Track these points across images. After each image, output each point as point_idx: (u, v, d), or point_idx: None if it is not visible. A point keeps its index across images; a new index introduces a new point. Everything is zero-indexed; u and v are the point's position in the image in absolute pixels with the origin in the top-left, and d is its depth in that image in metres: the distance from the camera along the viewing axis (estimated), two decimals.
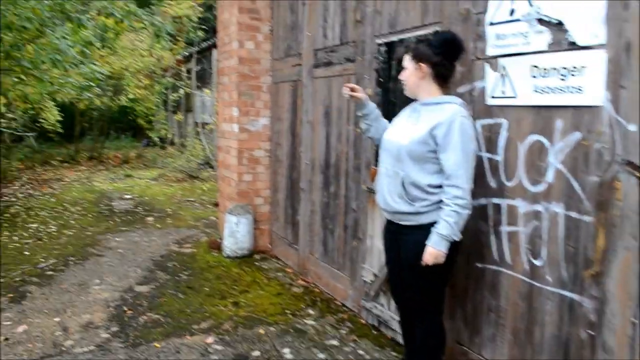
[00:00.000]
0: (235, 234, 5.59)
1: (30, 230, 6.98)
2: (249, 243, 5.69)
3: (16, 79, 7.25)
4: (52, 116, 12.86)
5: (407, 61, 2.71)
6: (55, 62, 6.99)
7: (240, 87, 5.52)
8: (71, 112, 16.58)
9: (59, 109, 13.26)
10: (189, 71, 16.75)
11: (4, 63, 7.15)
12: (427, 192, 2.60)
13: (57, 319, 4.00)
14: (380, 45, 3.78)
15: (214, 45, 11.97)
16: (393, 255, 2.90)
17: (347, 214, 4.32)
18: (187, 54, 16.19)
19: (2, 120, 10.60)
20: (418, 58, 2.67)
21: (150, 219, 7.91)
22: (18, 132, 10.45)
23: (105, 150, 17.59)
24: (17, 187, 10.99)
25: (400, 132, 2.73)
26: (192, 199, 9.72)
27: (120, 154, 16.80)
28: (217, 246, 5.96)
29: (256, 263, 5.58)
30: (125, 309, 4.23)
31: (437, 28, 3.23)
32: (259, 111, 5.64)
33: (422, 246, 2.58)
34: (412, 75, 2.70)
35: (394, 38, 3.65)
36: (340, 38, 4.33)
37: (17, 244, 6.18)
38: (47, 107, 12.78)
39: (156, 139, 16.40)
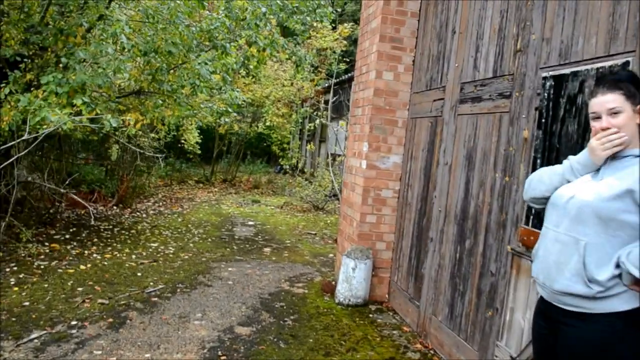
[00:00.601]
0: (351, 279, 5.07)
1: (150, 249, 7.09)
2: (364, 291, 5.13)
3: (158, 102, 7.55)
4: (192, 138, 13.54)
5: (619, 102, 2.01)
6: (194, 88, 7.13)
7: (374, 121, 5.07)
8: (211, 135, 17.49)
9: (199, 131, 13.97)
10: (326, 102, 16.87)
11: (150, 86, 7.48)
12: (613, 273, 1.89)
13: (147, 355, 3.75)
14: (545, 78, 3.09)
15: (353, 78, 11.84)
16: (544, 347, 2.17)
17: (482, 277, 3.59)
18: (326, 84, 16.34)
19: (144, 140, 11.28)
20: (633, 98, 1.98)
21: (267, 249, 7.70)
22: (147, 153, 11.04)
23: (239, 173, 18.26)
24: (150, 204, 11.57)
25: (579, 187, 2.05)
26: (313, 232, 9.42)
27: (252, 179, 17.27)
28: (330, 289, 5.48)
29: (370, 315, 4.98)
30: (220, 353, 3.85)
31: (629, 58, 2.49)
32: (391, 148, 5.13)
33: (590, 347, 1.86)
34: (631, 120, 2.00)
35: (565, 70, 2.94)
36: (493, 70, 3.69)
37: (133, 264, 6.24)
38: (189, 129, 13.50)
39: (287, 167, 16.62)
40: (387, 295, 5.31)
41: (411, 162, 4.97)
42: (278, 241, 8.44)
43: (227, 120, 9.73)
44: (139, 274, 5.81)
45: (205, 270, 6.16)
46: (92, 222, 8.55)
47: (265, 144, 18.36)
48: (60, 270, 5.69)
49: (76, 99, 5.39)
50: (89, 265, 5.97)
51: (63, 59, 5.96)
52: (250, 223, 10.04)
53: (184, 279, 5.76)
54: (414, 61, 5.08)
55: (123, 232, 8.15)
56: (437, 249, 4.26)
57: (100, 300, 4.82)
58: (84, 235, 7.62)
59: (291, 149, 16.64)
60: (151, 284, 5.49)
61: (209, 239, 8.15)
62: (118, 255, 6.64)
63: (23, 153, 6.13)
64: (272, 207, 12.45)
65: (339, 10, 24.76)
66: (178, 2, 7.29)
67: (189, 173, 16.98)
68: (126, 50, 5.91)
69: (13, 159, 5.73)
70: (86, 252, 6.63)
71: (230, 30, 8.59)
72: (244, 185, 16.61)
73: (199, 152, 14.58)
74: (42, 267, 5.77)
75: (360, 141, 5.36)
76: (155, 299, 5.00)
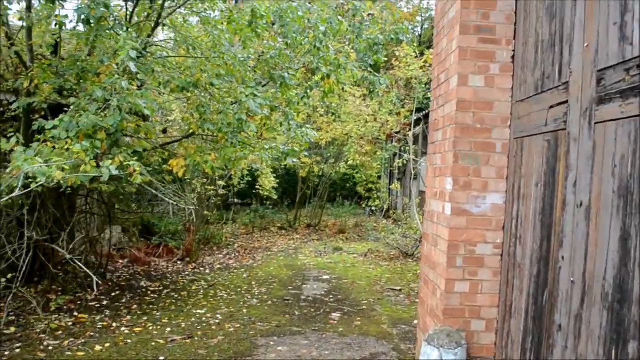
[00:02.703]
0: None
1: (193, 319, 5.89)
2: None
3: (203, 145, 6.52)
4: (267, 183, 12.54)
5: None
6: (241, 124, 5.99)
7: (459, 146, 3.53)
8: (294, 179, 16.48)
9: (274, 175, 12.96)
10: (415, 137, 15.31)
11: (199, 127, 6.46)
12: None
13: None
14: None
15: None
16: None
17: None
18: (415, 118, 14.84)
19: (208, 188, 10.38)
20: None
21: (336, 315, 6.21)
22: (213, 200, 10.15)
23: (327, 217, 17.00)
24: (222, 256, 10.57)
25: None
26: (397, 288, 7.79)
27: (339, 223, 15.93)
28: None
29: None
30: None
31: None
32: (487, 183, 3.54)
33: None
34: None
35: None
36: None
37: (162, 341, 5.04)
38: (264, 173, 12.53)
39: (374, 209, 15.13)
40: None
41: (519, 203, 3.34)
42: (352, 302, 6.92)
43: (294, 160, 8.51)
44: (161, 358, 4.59)
45: (247, 351, 4.80)
46: (142, 284, 7.58)
47: (349, 185, 17.04)
48: (68, 354, 4.61)
49: (73, 145, 4.38)
50: (107, 345, 4.85)
51: (72, 99, 5.07)
52: (325, 277, 8.63)
53: None
54: (513, 56, 3.52)
55: (172, 294, 7.07)
56: (572, 347, 2.57)
57: None
58: (124, 300, 6.61)
59: (378, 188, 15.11)
60: None
61: (269, 302, 6.83)
62: (151, 327, 5.50)
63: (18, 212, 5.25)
64: (355, 256, 10.97)
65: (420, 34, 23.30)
66: (221, 28, 6.27)
67: (273, 219, 15.99)
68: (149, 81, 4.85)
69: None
70: (115, 324, 5.55)
71: (291, 58, 7.46)
72: (329, 230, 15.31)
73: (275, 197, 13.55)
74: (50, 348, 4.72)
75: (442, 176, 3.82)
76: None
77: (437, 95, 4.06)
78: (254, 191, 13.85)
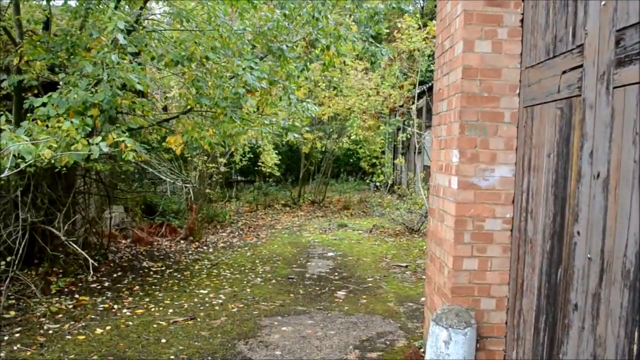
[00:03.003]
0: (444, 357, 3.32)
1: (195, 299, 5.79)
2: None
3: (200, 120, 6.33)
4: (269, 159, 12.36)
5: None
6: (239, 98, 5.79)
7: (465, 116, 3.33)
8: (297, 154, 16.28)
9: (276, 152, 12.76)
10: (419, 110, 15.03)
11: (196, 103, 6.26)
12: None
13: None
14: None
15: None
16: None
17: None
18: (418, 91, 14.55)
19: (210, 166, 10.20)
20: None
21: (341, 293, 6.09)
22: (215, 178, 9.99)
23: (331, 193, 16.86)
24: (225, 234, 10.46)
25: None
26: (403, 265, 7.67)
27: (343, 199, 15.79)
28: None
29: None
30: None
31: None
32: (496, 155, 3.36)
33: None
34: None
35: None
36: None
37: (164, 323, 4.93)
38: (265, 150, 12.35)
39: (378, 184, 14.95)
40: None
41: (529, 175, 3.16)
42: (358, 279, 6.81)
43: (295, 135, 8.32)
44: (163, 341, 4.47)
45: (251, 332, 4.69)
46: (145, 264, 7.49)
47: (352, 160, 16.83)
48: (68, 337, 4.51)
49: (63, 122, 4.20)
50: (107, 328, 4.75)
51: (61, 75, 4.88)
52: (330, 254, 8.51)
53: (217, 347, 4.32)
54: (522, 20, 3.30)
55: (175, 274, 6.97)
56: (589, 327, 2.42)
57: None
58: (126, 281, 6.51)
59: (382, 163, 14.90)
60: (171, 358, 4.11)
61: (273, 280, 6.72)
62: (153, 309, 5.40)
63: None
64: (360, 232, 10.84)
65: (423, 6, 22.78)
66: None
67: (277, 196, 15.85)
68: (116, 55, 4.64)
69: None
70: (117, 306, 5.46)
71: (289, 30, 7.19)
72: (333, 206, 15.17)
73: (278, 173, 13.37)
74: (50, 332, 4.62)
75: (447, 148, 3.63)
76: None
77: (442, 63, 3.85)
78: (256, 168, 13.68)
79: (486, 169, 3.36)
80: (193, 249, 8.97)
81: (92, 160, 5.77)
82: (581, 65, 2.58)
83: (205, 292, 6.14)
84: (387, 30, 14.96)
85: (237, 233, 10.75)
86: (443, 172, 3.72)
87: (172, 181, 6.12)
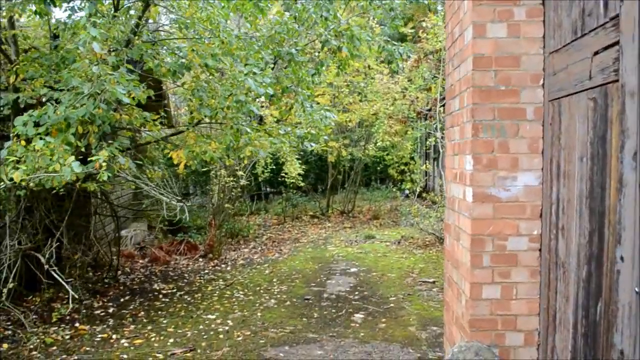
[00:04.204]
0: None
1: (200, 326, 5.37)
2: None
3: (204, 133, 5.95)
4: (293, 170, 11.93)
5: None
6: (241, 105, 5.37)
7: (478, 114, 2.79)
8: (326, 164, 15.80)
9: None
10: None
11: (195, 115, 5.89)
12: None
13: None
14: None
15: None
16: None
17: None
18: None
19: (228, 180, 9.83)
20: None
21: (358, 316, 5.56)
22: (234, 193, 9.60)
23: (362, 202, 16.31)
24: (246, 250, 10.06)
25: None
26: (430, 280, 7.07)
27: (373, 208, 15.21)
28: None
29: None
30: None
31: None
32: (518, 160, 2.79)
33: None
34: None
35: None
36: None
37: (161, 355, 4.52)
38: (289, 160, 11.93)
39: (407, 192, 14.32)
40: None
41: (559, 183, 2.58)
42: (379, 298, 6.26)
43: (312, 144, 7.86)
44: None
45: None
46: (156, 286, 7.13)
47: (380, 167, 16.24)
48: None
49: (36, 141, 3.85)
50: None
51: (43, 91, 4.55)
52: (353, 270, 7.98)
53: None
54: None
55: (185, 297, 6.58)
56: None
57: None
58: (132, 306, 6.16)
59: (411, 170, 14.24)
60: None
61: (287, 302, 6.25)
62: (153, 338, 5.00)
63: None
64: (387, 244, 10.26)
65: None
66: (213, 2, 5.63)
67: (305, 207, 15.40)
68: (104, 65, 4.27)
69: None
70: (115, 335, 5.09)
71: (299, 33, 6.76)
72: (362, 216, 14.62)
73: (302, 184, 12.93)
74: None
75: (461, 154, 3.08)
76: None
77: (452, 54, 3.31)
78: (278, 179, 13.28)
79: (507, 177, 2.79)
80: (211, 267, 8.60)
81: (89, 179, 5.46)
82: (617, 42, 2.01)
83: (213, 317, 5.72)
84: (412, 30, 14.40)
85: (259, 248, 10.35)
86: (457, 182, 3.17)
87: (168, 199, 5.71)
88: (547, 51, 2.72)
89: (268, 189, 17.57)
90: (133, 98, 5.32)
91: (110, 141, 5.11)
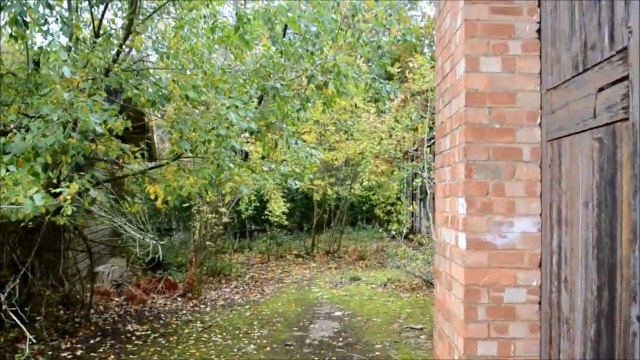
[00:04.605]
0: None
1: None
2: None
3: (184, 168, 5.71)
4: (277, 208, 11.66)
5: None
6: (221, 140, 5.16)
7: (472, 154, 2.59)
8: (312, 202, 15.56)
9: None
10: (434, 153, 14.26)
11: (175, 148, 5.67)
12: None
13: None
14: None
15: None
16: None
17: None
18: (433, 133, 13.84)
19: (210, 216, 9.55)
20: None
21: None
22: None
23: (348, 242, 16.01)
24: (228, 290, 9.69)
25: None
26: (418, 326, 6.75)
27: (360, 248, 14.92)
28: None
29: None
30: None
31: None
32: (514, 204, 2.58)
33: None
34: None
35: None
36: None
37: None
38: (273, 198, 11.68)
39: (393, 233, 14.07)
40: None
41: (560, 230, 2.37)
42: (364, 346, 5.92)
43: (297, 183, 7.65)
44: None
45: None
46: (129, 327, 6.73)
47: (365, 208, 16.04)
48: None
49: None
50: None
51: (10, 117, 4.31)
52: (337, 314, 7.64)
53: None
54: (539, 30, 2.58)
55: (159, 340, 6.20)
56: None
57: None
58: (101, 349, 5.78)
59: (398, 210, 14.04)
60: None
61: (267, 348, 5.89)
62: None
63: None
64: (373, 286, 9.93)
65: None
66: (196, 32, 5.49)
67: (290, 246, 15.06)
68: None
69: None
70: None
71: (285, 67, 6.62)
72: (348, 256, 14.30)
73: (286, 223, 12.65)
74: None
75: (452, 196, 2.87)
76: None
77: (443, 90, 3.13)
78: (262, 217, 13.00)
79: (503, 222, 2.57)
80: (189, 307, 8.21)
81: (59, 213, 5.15)
82: (626, 77, 1.84)
83: None
84: (399, 70, 14.45)
85: (241, 288, 9.97)
86: (449, 227, 2.94)
87: (141, 237, 5.41)
88: (544, 88, 2.55)
89: (253, 227, 17.23)
90: (110, 129, 5.10)
91: (82, 173, 4.84)
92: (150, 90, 5.22)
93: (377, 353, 5.63)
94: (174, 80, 5.21)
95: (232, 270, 11.38)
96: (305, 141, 10.90)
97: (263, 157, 9.20)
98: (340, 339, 6.22)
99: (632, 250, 1.77)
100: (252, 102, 5.86)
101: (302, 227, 17.30)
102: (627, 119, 1.83)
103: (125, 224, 5.37)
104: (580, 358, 2.15)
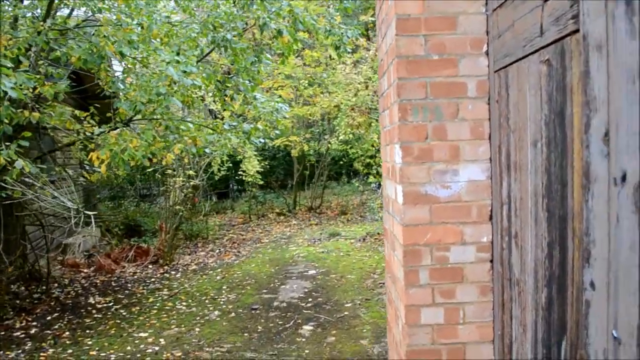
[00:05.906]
0: None
1: (128, 347, 4.76)
2: None
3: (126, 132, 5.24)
4: (251, 167, 11.26)
5: None
6: (162, 98, 4.70)
7: (406, 92, 2.18)
8: (291, 159, 15.17)
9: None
10: None
11: (121, 112, 5.19)
12: None
13: None
14: None
15: None
16: None
17: None
18: None
19: (178, 180, 9.13)
20: None
21: (307, 328, 4.98)
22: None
23: (332, 197, 15.77)
24: (203, 254, 9.39)
25: None
26: None
27: (343, 203, 14.68)
28: None
29: None
30: None
31: None
32: (459, 149, 2.20)
33: None
34: None
35: None
36: None
37: None
38: (246, 157, 11.26)
39: (373, 184, 13.78)
40: None
41: (509, 176, 1.99)
42: (333, 306, 5.67)
43: (262, 140, 7.23)
44: None
45: None
46: (91, 300, 6.43)
47: (344, 162, 15.71)
48: None
49: None
50: None
51: None
52: (311, 272, 7.38)
53: None
54: None
55: (120, 311, 5.92)
56: None
57: None
58: (57, 325, 5.50)
59: (377, 163, 13.67)
60: None
61: (232, 313, 5.62)
62: None
63: None
64: (352, 241, 9.69)
65: None
66: None
67: (272, 205, 14.77)
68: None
69: None
70: None
71: (235, 16, 6.08)
72: (330, 212, 14.05)
73: (261, 182, 12.29)
74: None
75: (390, 144, 2.48)
76: None
77: (380, 22, 2.69)
78: (236, 178, 12.61)
79: (446, 170, 2.19)
80: (159, 275, 7.92)
81: None
82: None
83: (146, 335, 5.07)
84: (373, 18, 13.76)
85: (217, 251, 9.69)
86: (390, 178, 2.56)
87: (61, 203, 5.02)
88: (490, 8, 2.12)
89: (235, 187, 16.91)
90: (39, 94, 4.64)
91: (8, 143, 4.40)
92: (78, 47, 4.69)
93: (346, 313, 5.37)
94: (104, 36, 4.69)
95: (209, 233, 11.09)
96: (280, 96, 10.38)
97: (239, 116, 8.71)
98: (310, 300, 5.96)
99: (584, 200, 1.39)
100: (193, 56, 5.35)
101: (286, 184, 16.96)
102: (577, 30, 1.42)
103: (51, 194, 4.93)
104: (532, 326, 1.82)
